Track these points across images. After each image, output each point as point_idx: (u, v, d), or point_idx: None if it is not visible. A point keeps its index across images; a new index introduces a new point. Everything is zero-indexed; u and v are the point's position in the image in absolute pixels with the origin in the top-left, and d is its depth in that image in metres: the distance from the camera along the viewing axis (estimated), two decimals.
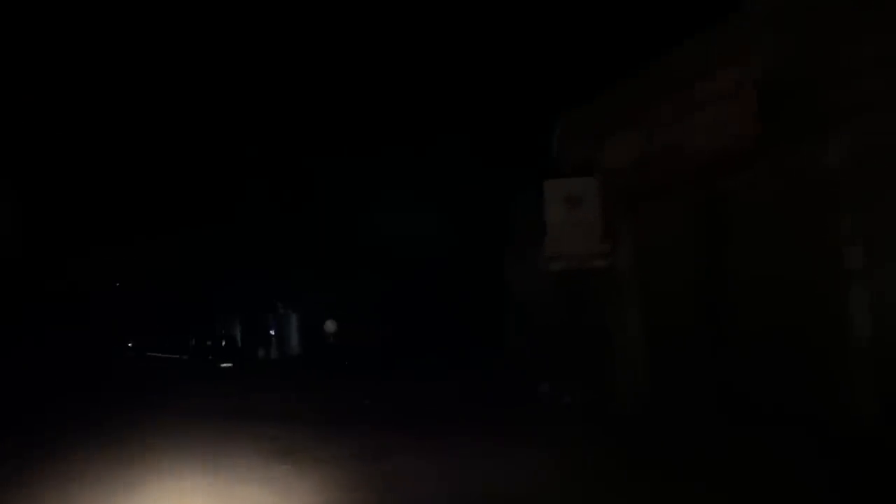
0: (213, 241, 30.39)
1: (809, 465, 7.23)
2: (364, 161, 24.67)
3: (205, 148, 27.41)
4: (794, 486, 6.98)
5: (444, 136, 18.29)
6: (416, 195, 22.62)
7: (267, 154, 27.29)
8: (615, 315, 12.03)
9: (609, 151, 11.66)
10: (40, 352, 28.32)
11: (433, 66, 17.09)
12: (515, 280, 15.08)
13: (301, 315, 30.85)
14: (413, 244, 23.20)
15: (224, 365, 27.96)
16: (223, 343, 30.24)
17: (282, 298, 32.69)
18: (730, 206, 9.46)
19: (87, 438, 11.75)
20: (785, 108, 8.16)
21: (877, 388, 7.42)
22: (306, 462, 9.31)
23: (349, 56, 20.56)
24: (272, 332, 31.64)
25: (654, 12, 11.70)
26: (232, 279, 31.91)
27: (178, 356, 29.88)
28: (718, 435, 9.04)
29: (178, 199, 29.69)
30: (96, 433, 12.36)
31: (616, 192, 11.73)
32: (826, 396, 8.04)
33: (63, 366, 26.50)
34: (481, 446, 9.89)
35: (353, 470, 8.77)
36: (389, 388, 18.03)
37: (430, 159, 20.05)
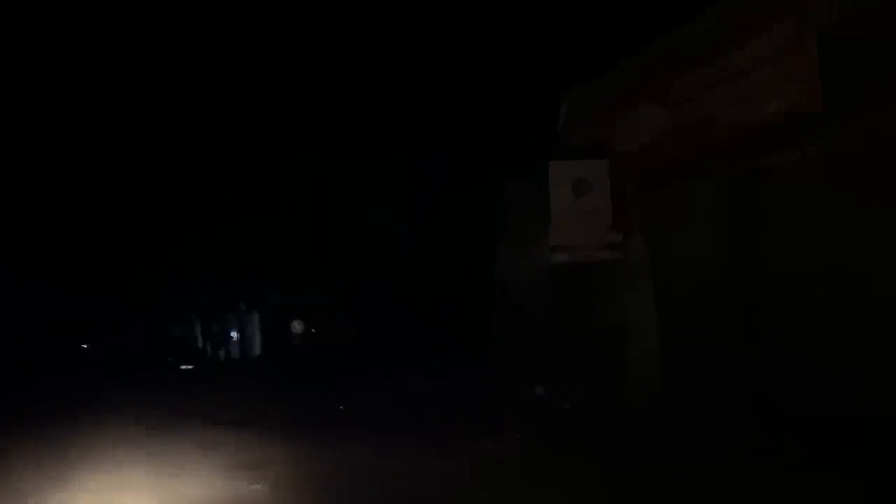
0: (174, 241, 28.93)
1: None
2: (332, 156, 23.44)
3: (167, 146, 25.99)
4: None
5: (428, 121, 17.04)
6: (389, 187, 21.40)
7: (230, 152, 25.99)
8: (626, 311, 10.91)
9: (622, 130, 10.54)
10: None
11: (413, 34, 15.76)
12: (509, 274, 13.88)
13: (265, 315, 29.39)
14: (388, 240, 21.98)
15: (184, 367, 26.33)
16: (183, 343, 28.67)
17: (244, 298, 31.17)
18: (770, 186, 8.38)
19: (24, 445, 10.31)
20: (850, 69, 7.08)
21: None
22: (282, 481, 7.99)
23: (320, 33, 19.20)
24: (234, 334, 30.08)
25: None
26: (191, 278, 30.34)
27: (135, 357, 28.16)
28: (743, 440, 8.01)
29: (139, 200, 28.18)
30: (35, 438, 10.91)
31: (629, 176, 10.62)
32: (885, 403, 6.98)
33: (13, 366, 24.78)
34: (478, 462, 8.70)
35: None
36: (365, 392, 16.68)
37: (407, 148, 18.82)
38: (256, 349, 28.27)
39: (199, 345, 30.25)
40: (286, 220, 27.31)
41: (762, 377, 8.34)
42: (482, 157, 16.55)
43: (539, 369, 13.60)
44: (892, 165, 6.89)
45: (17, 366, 24.65)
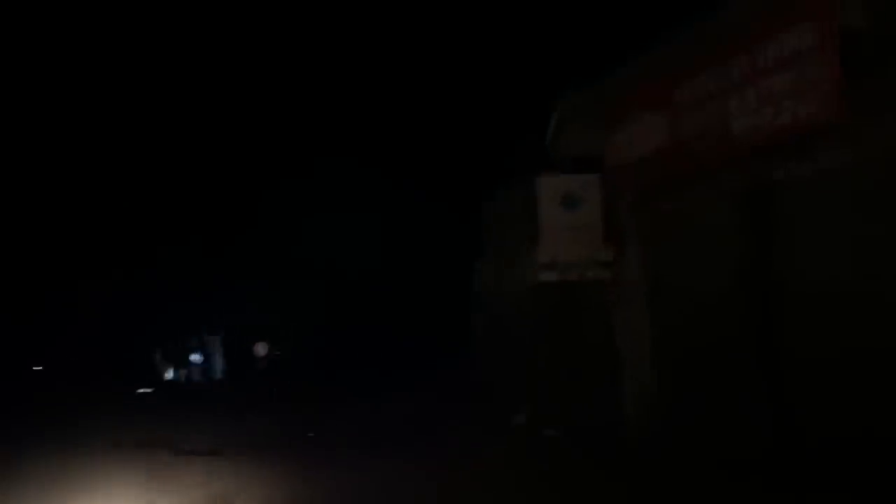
0: (136, 263, 27.92)
1: None
2: (303, 178, 22.85)
3: (126, 169, 25.15)
4: None
5: (403, 132, 16.40)
6: (361, 205, 20.76)
7: (193, 174, 25.24)
8: (618, 332, 10.29)
9: (618, 140, 9.95)
10: None
11: (393, 40, 15.14)
12: (489, 292, 13.20)
13: (228, 337, 28.33)
14: (358, 259, 21.26)
15: (141, 390, 25.14)
16: (141, 366, 27.44)
17: (207, 320, 30.10)
18: (783, 200, 7.83)
19: None
20: (873, 76, 6.58)
21: None
22: None
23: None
24: (195, 356, 28.96)
25: None
26: (152, 301, 29.24)
27: (92, 379, 26.88)
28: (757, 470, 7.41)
29: (105, 222, 27.18)
30: None
31: (623, 190, 10.04)
32: None
33: None
34: None
35: None
36: (335, 417, 15.82)
37: (381, 166, 18.19)
38: (218, 372, 27.21)
39: (159, 367, 29.05)
40: (253, 241, 26.51)
41: (779, 405, 7.74)
42: (460, 171, 15.95)
43: (520, 393, 12.94)
44: None
45: None
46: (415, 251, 18.94)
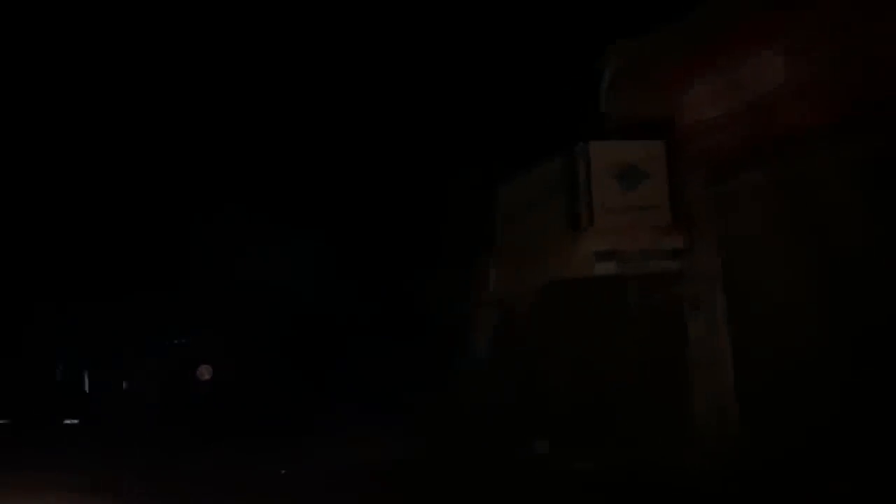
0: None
1: None
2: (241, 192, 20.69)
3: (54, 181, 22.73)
4: None
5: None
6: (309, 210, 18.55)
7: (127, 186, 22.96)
8: (687, 342, 8.23)
9: (687, 102, 7.97)
10: None
11: None
12: (501, 295, 10.97)
13: (166, 360, 25.39)
14: (309, 270, 18.92)
15: (67, 421, 21.97)
16: (66, 394, 24.22)
17: (143, 340, 27.10)
18: None
19: None
20: None
21: None
22: None
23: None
24: (128, 383, 25.87)
25: None
26: (76, 322, 26.18)
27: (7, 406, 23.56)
28: None
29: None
30: None
31: (696, 160, 8.04)
32: None
33: None
34: None
35: None
36: (297, 453, 13.17)
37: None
38: (156, 399, 24.17)
39: (87, 394, 25.80)
40: (192, 255, 23.94)
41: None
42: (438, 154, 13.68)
43: (539, 417, 10.72)
44: None
45: None
46: (368, 262, 16.66)
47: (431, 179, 13.61)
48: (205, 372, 20.77)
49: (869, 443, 6.17)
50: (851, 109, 6.27)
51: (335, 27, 15.64)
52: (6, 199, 22.77)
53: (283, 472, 11.29)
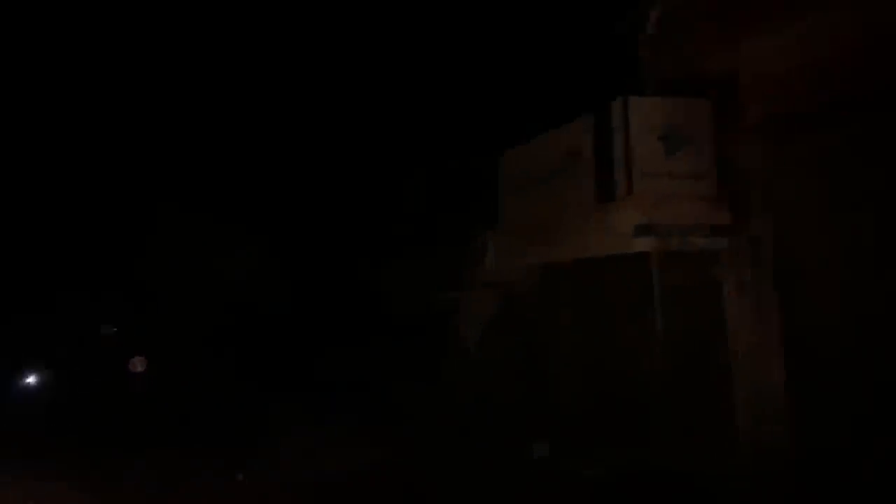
0: None
1: None
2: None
3: None
4: None
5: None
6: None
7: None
8: (730, 329, 7.20)
9: (747, 55, 6.93)
10: None
11: None
12: (498, 278, 9.77)
13: (90, 352, 23.41)
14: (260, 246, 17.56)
15: None
16: None
17: (61, 330, 25.00)
18: None
19: None
20: None
21: None
22: None
23: None
24: (49, 377, 23.73)
25: None
26: None
27: None
28: None
29: None
30: None
31: (748, 126, 7.01)
32: None
33: None
34: None
35: None
36: (257, 453, 11.71)
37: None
38: (82, 395, 22.11)
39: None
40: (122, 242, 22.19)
41: None
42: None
43: (540, 416, 9.59)
44: None
45: None
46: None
47: (407, 148, 12.30)
48: (138, 364, 18.92)
49: None
50: None
51: None
52: None
53: (239, 477, 9.89)
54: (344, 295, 15.51)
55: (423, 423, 10.82)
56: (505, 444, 9.44)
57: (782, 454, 6.78)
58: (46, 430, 17.20)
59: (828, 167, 6.47)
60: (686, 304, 7.42)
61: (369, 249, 14.04)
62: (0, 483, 10.38)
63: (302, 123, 14.92)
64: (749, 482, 6.92)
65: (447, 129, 11.12)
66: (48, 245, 22.56)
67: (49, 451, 13.49)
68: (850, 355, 6.39)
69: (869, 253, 6.28)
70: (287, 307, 18.46)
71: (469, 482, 8.72)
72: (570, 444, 8.85)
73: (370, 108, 12.65)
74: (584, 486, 8.20)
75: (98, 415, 18.50)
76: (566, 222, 7.67)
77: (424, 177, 11.99)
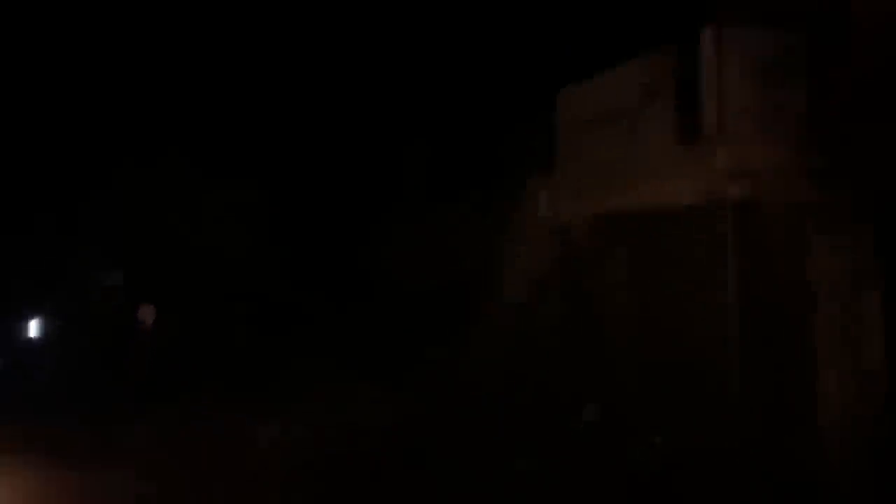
0: None
1: None
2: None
3: None
4: None
5: None
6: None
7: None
8: (818, 296, 6.55)
9: None
10: None
11: None
12: (550, 230, 9.08)
13: (94, 302, 22.80)
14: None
15: None
16: None
17: (57, 281, 24.33)
18: None
19: None
20: None
21: None
22: None
23: None
24: (51, 328, 23.13)
25: None
26: None
27: None
28: None
29: None
30: None
31: (850, 61, 6.31)
32: None
33: None
34: None
35: None
36: (274, 411, 11.01)
37: None
38: (86, 348, 21.59)
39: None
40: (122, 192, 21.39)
41: None
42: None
43: (584, 381, 8.96)
44: None
45: None
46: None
47: (446, 87, 11.49)
48: (147, 314, 18.24)
49: None
50: None
51: None
52: None
53: (263, 433, 9.33)
54: (373, 245, 14.72)
55: (452, 381, 10.23)
56: (545, 405, 8.87)
57: (876, 446, 6.19)
58: (52, 382, 16.71)
59: None
60: (767, 265, 6.71)
61: (402, 196, 13.29)
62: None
63: (343, 61, 14.04)
64: (834, 475, 6.31)
65: (492, 63, 10.33)
66: (52, 195, 21.79)
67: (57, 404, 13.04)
68: None
69: None
70: (308, 259, 17.82)
71: (494, 444, 8.16)
72: (623, 410, 8.26)
73: (410, 41, 11.86)
74: (648, 453, 7.62)
75: (108, 366, 17.98)
76: (639, 166, 6.99)
77: (465, 118, 11.25)
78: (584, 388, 8.69)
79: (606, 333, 8.38)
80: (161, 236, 21.26)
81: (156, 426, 10.12)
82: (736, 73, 6.24)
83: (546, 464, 7.54)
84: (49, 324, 23.99)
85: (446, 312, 11.53)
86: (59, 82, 19.03)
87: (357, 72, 13.66)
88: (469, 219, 11.17)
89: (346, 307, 15.09)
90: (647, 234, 7.67)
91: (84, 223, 22.39)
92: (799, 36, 6.43)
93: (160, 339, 18.52)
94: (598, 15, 8.84)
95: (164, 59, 17.14)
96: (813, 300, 6.51)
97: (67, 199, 21.83)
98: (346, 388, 11.56)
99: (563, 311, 8.72)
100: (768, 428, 6.64)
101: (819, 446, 6.35)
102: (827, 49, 6.38)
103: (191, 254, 20.73)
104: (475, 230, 10.96)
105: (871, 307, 6.19)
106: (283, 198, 17.97)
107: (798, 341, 6.58)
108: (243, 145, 18.13)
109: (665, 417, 7.66)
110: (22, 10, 17.20)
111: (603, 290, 8.27)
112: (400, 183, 14.20)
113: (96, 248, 22.97)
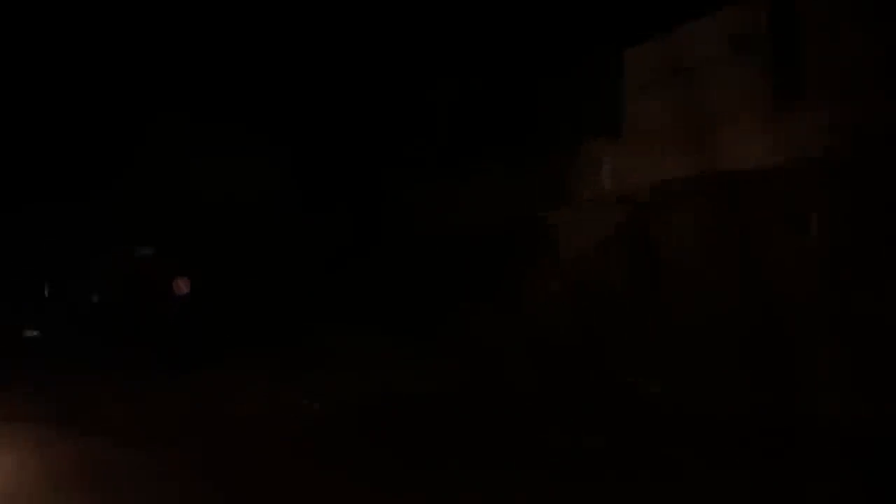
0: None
1: None
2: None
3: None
4: None
5: None
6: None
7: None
8: None
9: None
10: None
11: None
12: (616, 192, 8.54)
13: (130, 272, 22.75)
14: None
15: (29, 334, 19.22)
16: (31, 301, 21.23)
17: (97, 251, 24.33)
18: None
19: None
20: None
21: None
22: None
23: None
24: (91, 294, 23.16)
25: None
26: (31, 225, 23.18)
27: None
28: None
29: None
30: None
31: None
32: None
33: None
34: None
35: None
36: (313, 378, 10.65)
37: None
38: (122, 315, 21.55)
39: (47, 304, 22.85)
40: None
41: None
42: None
43: (647, 352, 8.50)
44: None
45: None
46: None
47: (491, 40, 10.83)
48: (182, 285, 17.99)
49: None
50: None
51: None
52: None
53: (307, 402, 8.99)
54: (415, 209, 14.11)
55: (500, 349, 9.78)
56: (604, 375, 8.43)
57: None
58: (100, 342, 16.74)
59: None
60: (858, 225, 6.16)
61: (446, 158, 12.66)
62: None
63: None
64: None
65: (540, 17, 9.72)
66: (82, 166, 21.53)
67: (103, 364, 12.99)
68: None
69: None
70: (348, 218, 17.34)
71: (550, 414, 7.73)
72: (692, 382, 7.80)
73: None
74: (709, 428, 7.14)
75: (144, 334, 17.98)
76: (726, 125, 6.45)
77: (517, 76, 10.64)
78: (647, 359, 8.25)
79: (674, 302, 7.91)
80: (191, 204, 20.96)
81: (197, 395, 9.86)
82: (840, 24, 5.67)
83: (615, 442, 7.08)
84: (88, 290, 23.98)
85: (482, 271, 11.07)
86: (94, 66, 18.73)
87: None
88: (513, 175, 10.64)
89: (378, 265, 14.64)
90: (727, 198, 7.15)
91: (116, 195, 22.22)
92: None
93: (196, 308, 18.25)
94: None
95: (186, 24, 16.64)
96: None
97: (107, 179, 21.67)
98: (384, 350, 11.22)
99: (628, 278, 8.23)
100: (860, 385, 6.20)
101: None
102: None
103: (222, 220, 20.41)
104: (519, 188, 10.44)
105: None
106: (313, 155, 17.48)
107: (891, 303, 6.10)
108: (270, 99, 17.55)
109: (735, 386, 7.23)
110: None
111: (671, 257, 7.78)
112: (435, 133, 13.59)
113: (128, 220, 22.83)
